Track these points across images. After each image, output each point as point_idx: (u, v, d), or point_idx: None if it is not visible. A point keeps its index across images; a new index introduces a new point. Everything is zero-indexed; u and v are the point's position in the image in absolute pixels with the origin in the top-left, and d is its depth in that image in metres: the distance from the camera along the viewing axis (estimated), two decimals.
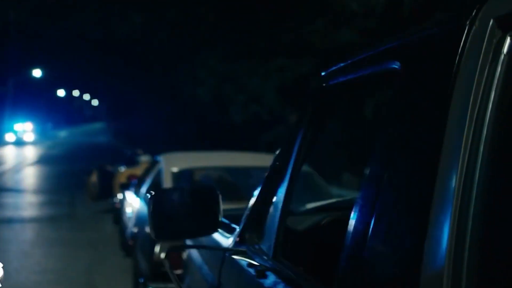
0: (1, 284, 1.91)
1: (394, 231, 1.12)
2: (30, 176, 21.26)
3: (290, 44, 10.55)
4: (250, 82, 11.17)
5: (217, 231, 2.40)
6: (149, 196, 2.10)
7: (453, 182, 0.98)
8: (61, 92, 65.20)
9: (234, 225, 2.71)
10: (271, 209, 2.20)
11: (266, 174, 2.40)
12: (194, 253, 3.25)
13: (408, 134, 1.18)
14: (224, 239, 2.71)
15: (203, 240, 2.96)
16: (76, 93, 70.83)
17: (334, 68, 1.98)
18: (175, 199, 2.15)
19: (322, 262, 2.41)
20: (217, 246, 2.79)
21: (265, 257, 2.00)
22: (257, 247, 2.20)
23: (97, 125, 59.81)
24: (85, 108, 77.00)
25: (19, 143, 40.94)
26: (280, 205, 2.11)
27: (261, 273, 1.96)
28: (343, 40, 9.59)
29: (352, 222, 1.37)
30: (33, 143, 41.83)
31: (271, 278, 1.89)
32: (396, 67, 1.31)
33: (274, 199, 2.18)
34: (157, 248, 4.75)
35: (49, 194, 15.42)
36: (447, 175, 1.00)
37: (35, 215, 11.99)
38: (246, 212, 2.44)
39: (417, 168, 1.12)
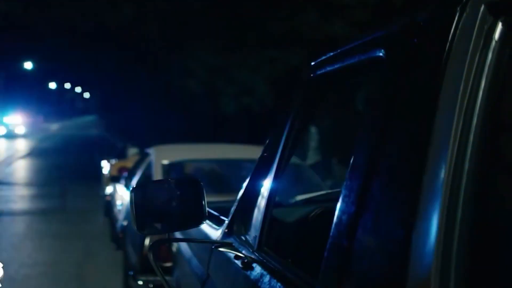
0: (1, 284, 1.93)
1: (382, 222, 1.09)
2: (21, 169, 21.12)
3: (281, 35, 10.49)
4: (241, 74, 11.13)
5: (202, 223, 2.37)
6: (131, 189, 2.07)
7: (442, 173, 0.94)
8: (52, 85, 64.88)
9: (223, 217, 2.70)
10: (258, 200, 2.16)
11: (255, 166, 2.38)
12: (184, 245, 3.23)
13: (395, 123, 1.14)
14: (213, 231, 2.69)
15: (193, 232, 2.93)
16: (67, 85, 70.55)
17: (322, 58, 1.96)
18: (158, 192, 2.11)
19: (308, 253, 2.39)
20: (205, 238, 2.77)
21: (250, 249, 1.99)
22: (243, 238, 2.19)
23: (89, 118, 59.53)
24: (76, 101, 76.68)
25: (10, 136, 40.70)
26: (266, 196, 2.08)
27: (247, 264, 1.94)
28: (334, 31, 9.53)
29: (337, 213, 1.34)
30: (24, 136, 41.67)
31: (257, 270, 1.87)
32: (381, 55, 1.28)
33: (262, 190, 2.13)
34: (147, 241, 4.72)
35: (40, 187, 15.35)
36: (436, 165, 0.96)
37: (25, 208, 11.92)
38: (235, 204, 2.40)
39: (405, 157, 1.08)
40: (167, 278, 2.81)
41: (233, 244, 2.25)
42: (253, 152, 6.29)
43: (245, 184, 2.37)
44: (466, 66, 0.98)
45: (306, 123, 2.24)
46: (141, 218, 2.03)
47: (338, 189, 3.20)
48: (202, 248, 2.76)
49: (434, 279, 0.90)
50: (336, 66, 1.75)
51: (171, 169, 5.59)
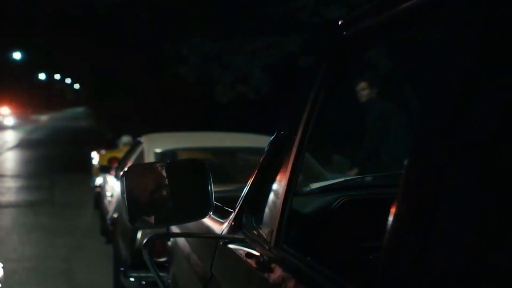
0: (1, 284, 1.88)
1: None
2: (8, 161, 20.85)
3: (277, 21, 10.25)
4: (235, 61, 10.88)
5: (208, 215, 2.04)
6: (121, 173, 1.72)
7: None
8: (42, 76, 64.59)
9: (227, 208, 2.39)
10: (274, 187, 1.82)
11: (267, 147, 2.01)
12: (180, 239, 2.93)
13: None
14: (217, 225, 2.38)
15: (191, 225, 2.62)
16: (57, 76, 70.35)
17: (358, 13, 1.62)
18: (155, 176, 1.77)
19: (337, 250, 2.06)
20: (207, 232, 2.43)
21: (265, 246, 1.70)
22: (255, 233, 1.87)
23: (79, 109, 59.44)
24: (66, 92, 76.40)
25: None
26: (284, 183, 1.72)
27: (263, 265, 1.64)
28: (332, 16, 9.25)
29: (402, 208, 1.03)
30: (13, 127, 41.47)
31: (277, 272, 1.56)
32: None
33: (278, 175, 1.80)
34: (139, 235, 4.44)
35: (27, 179, 15.08)
36: None
37: (12, 200, 11.64)
38: (244, 193, 2.07)
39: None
40: (161, 274, 2.55)
41: (245, 240, 1.93)
42: (249, 140, 6.23)
43: (256, 169, 2.03)
44: None
45: (333, 94, 1.89)
46: (134, 208, 1.70)
47: (357, 176, 2.89)
48: (203, 243, 2.43)
49: None
50: (378, 17, 1.41)
51: (164, 158, 5.34)
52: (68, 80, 73.72)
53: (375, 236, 2.11)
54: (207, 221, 2.52)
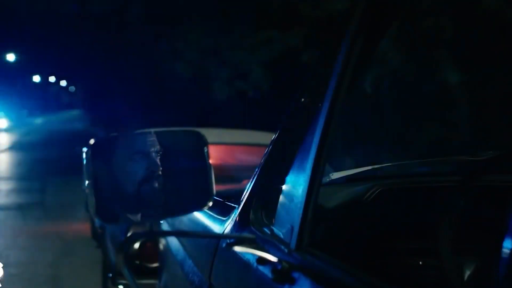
0: (1, 284, 1.92)
1: None
2: (1, 163, 20.61)
3: (278, 14, 10.01)
4: (234, 56, 10.67)
5: (207, 205, 1.65)
6: (85, 149, 1.29)
7: None
8: (36, 78, 64.48)
9: (229, 203, 1.97)
10: (292, 176, 1.46)
11: (278, 131, 1.68)
12: (173, 240, 2.53)
13: None
14: (216, 223, 1.97)
15: (184, 221, 2.28)
16: (52, 79, 70.23)
17: None
18: (133, 153, 1.42)
19: (377, 254, 1.67)
20: (204, 231, 2.04)
21: (284, 248, 1.35)
22: (268, 232, 1.52)
23: (74, 112, 59.45)
24: (61, 95, 76.30)
25: None
26: (307, 169, 1.33)
27: (282, 273, 1.26)
28: (335, 9, 8.92)
29: None
30: (7, 130, 41.32)
31: (299, 281, 1.22)
32: None
33: (297, 161, 1.44)
34: (129, 232, 4.07)
35: (18, 181, 14.87)
36: None
37: (1, 202, 11.41)
38: (250, 184, 1.73)
39: None
40: (152, 282, 2.05)
41: (256, 241, 1.50)
42: (248, 136, 5.98)
43: (264, 157, 1.70)
44: None
45: (369, 54, 1.45)
46: (104, 197, 1.28)
47: (388, 164, 2.45)
48: (200, 246, 2.03)
49: None
50: None
51: None
52: (63, 83, 73.64)
53: (422, 235, 1.69)
54: (203, 217, 2.13)
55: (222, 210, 1.99)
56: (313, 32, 9.50)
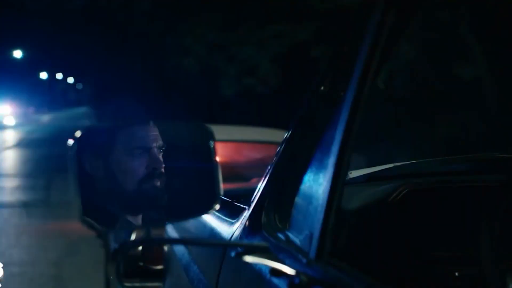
0: (1, 284, 1.90)
1: None
2: (6, 160, 20.54)
3: (287, 7, 9.87)
4: (242, 51, 10.54)
5: (213, 208, 1.53)
6: (71, 141, 1.22)
7: None
8: (43, 75, 64.63)
9: (238, 204, 1.82)
10: (310, 174, 1.31)
11: (296, 119, 1.52)
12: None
13: None
14: (224, 226, 1.81)
15: (188, 222, 2.13)
16: (59, 76, 70.45)
17: None
18: (133, 147, 1.31)
19: (411, 264, 1.49)
20: (211, 236, 1.89)
21: (302, 258, 1.20)
22: (283, 238, 1.36)
23: (81, 109, 59.70)
24: (69, 92, 76.61)
25: None
26: (329, 166, 1.18)
27: None
28: (346, 2, 8.75)
29: None
30: (14, 127, 41.44)
31: None
32: None
33: (315, 156, 1.29)
34: (133, 237, 3.89)
35: (24, 178, 14.73)
36: None
37: (4, 200, 11.27)
38: (261, 184, 1.58)
39: None
40: (157, 284, 2.20)
41: (270, 249, 1.29)
42: (256, 133, 5.92)
43: (278, 151, 1.54)
44: None
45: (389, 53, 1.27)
46: (94, 198, 1.18)
47: (412, 161, 2.26)
48: (207, 251, 1.87)
49: None
50: None
51: None
52: (70, 80, 73.91)
53: (458, 241, 1.55)
54: (210, 219, 1.96)
55: (230, 211, 1.83)
56: (324, 26, 9.36)
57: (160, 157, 1.41)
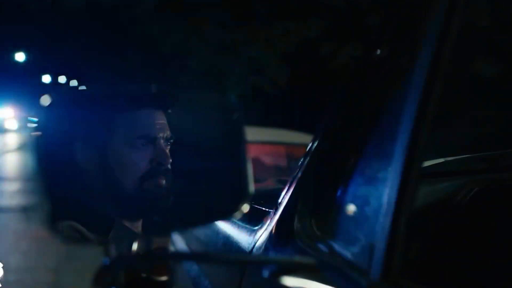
0: (1, 284, 1.59)
1: None
2: (7, 163, 20.49)
3: (295, 3, 9.68)
4: (249, 50, 10.39)
5: (241, 210, 1.17)
6: (35, 117, 0.98)
7: None
8: (46, 78, 64.80)
9: (261, 207, 1.55)
10: (365, 168, 1.04)
11: (340, 101, 1.26)
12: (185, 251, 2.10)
13: None
14: (244, 233, 1.52)
15: (198, 232, 1.88)
16: (62, 79, 70.62)
17: None
18: (135, 137, 1.10)
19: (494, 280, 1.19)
20: (231, 249, 1.58)
21: (358, 277, 0.91)
22: (325, 249, 1.07)
23: None
24: None
25: (0, 130, 40.35)
26: (397, 158, 0.90)
27: None
28: None
29: None
30: (16, 130, 41.59)
31: None
32: None
33: (372, 147, 1.03)
34: (135, 246, 3.56)
35: (24, 182, 14.36)
36: None
37: (4, 204, 11.15)
38: (291, 183, 1.31)
39: None
40: None
41: (316, 267, 1.00)
42: (266, 134, 5.73)
43: (312, 146, 1.27)
44: None
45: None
46: (78, 196, 1.10)
47: (478, 154, 1.95)
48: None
49: None
50: None
51: None
52: (73, 83, 74.12)
53: None
54: (224, 225, 1.68)
55: (250, 216, 1.52)
56: (333, 23, 9.17)
57: (167, 150, 1.16)
